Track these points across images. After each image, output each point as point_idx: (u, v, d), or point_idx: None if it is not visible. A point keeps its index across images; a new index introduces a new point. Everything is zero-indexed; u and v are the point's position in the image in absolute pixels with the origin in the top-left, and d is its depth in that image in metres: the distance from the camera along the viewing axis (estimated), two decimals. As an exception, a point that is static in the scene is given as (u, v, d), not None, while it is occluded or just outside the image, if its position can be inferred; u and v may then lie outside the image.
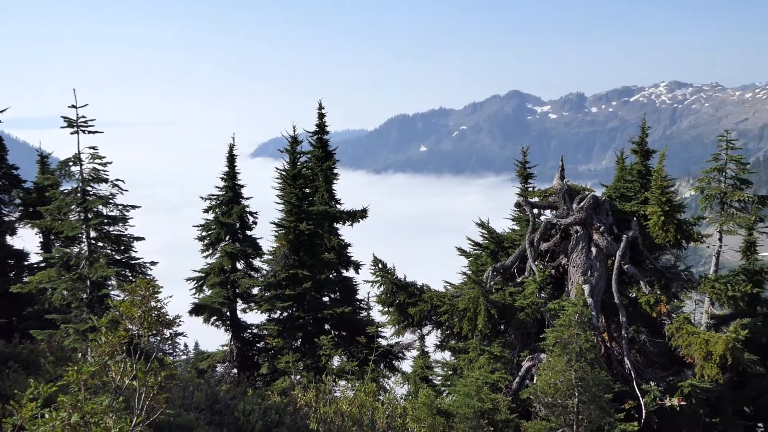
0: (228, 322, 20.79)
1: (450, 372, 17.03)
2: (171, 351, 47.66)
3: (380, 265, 14.78)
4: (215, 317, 20.46)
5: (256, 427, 9.00)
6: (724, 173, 22.44)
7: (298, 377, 14.34)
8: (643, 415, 13.19)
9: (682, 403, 13.24)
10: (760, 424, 20.12)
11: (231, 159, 20.80)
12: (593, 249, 15.15)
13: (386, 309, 14.98)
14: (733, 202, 22.20)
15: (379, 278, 14.70)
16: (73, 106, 17.58)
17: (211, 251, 20.93)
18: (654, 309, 14.94)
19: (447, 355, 17.43)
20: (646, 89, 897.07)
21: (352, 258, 21.44)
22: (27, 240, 22.39)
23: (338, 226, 21.54)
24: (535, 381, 13.02)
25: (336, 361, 18.68)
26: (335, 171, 22.35)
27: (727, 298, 15.95)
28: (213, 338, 21.88)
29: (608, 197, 16.45)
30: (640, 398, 13.36)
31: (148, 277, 16.03)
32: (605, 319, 15.32)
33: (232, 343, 20.71)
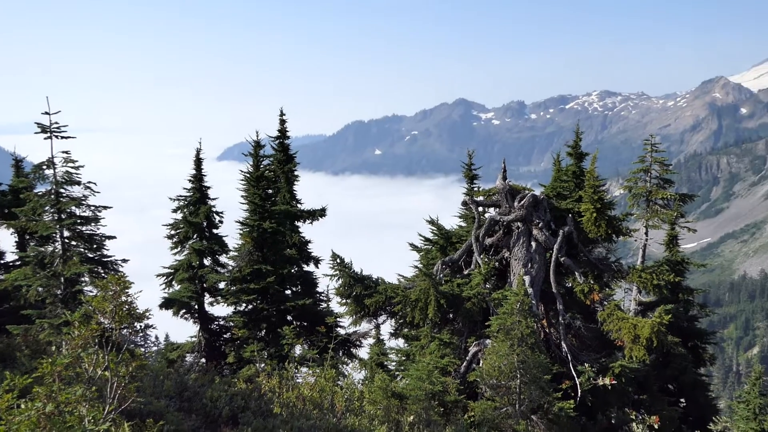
0: (196, 315, 20.58)
1: (403, 358, 17.07)
2: (143, 343, 46.91)
3: (338, 260, 14.75)
4: (184, 310, 20.26)
5: (223, 413, 8.90)
6: (649, 174, 22.93)
7: (263, 365, 14.19)
8: (579, 393, 13.36)
9: (613, 382, 13.45)
10: (682, 399, 20.58)
11: (198, 162, 20.64)
12: (533, 243, 15.32)
13: (344, 300, 14.95)
14: (658, 199, 22.70)
15: (337, 272, 14.67)
16: (47, 113, 17.22)
17: (179, 249, 20.71)
18: (588, 297, 15.15)
19: (401, 343, 17.46)
20: (579, 98, 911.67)
21: (313, 254, 21.36)
22: (2, 240, 21.86)
23: (299, 224, 21.43)
24: (481, 364, 13.11)
25: (298, 350, 18.57)
26: (296, 173, 22.26)
27: (653, 287, 16.24)
28: (182, 330, 21.64)
29: (546, 196, 16.63)
30: (576, 378, 13.53)
31: (119, 274, 15.74)
32: (544, 307, 15.49)
33: (201, 334, 20.50)
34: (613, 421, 14.34)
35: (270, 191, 20.64)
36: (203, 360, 20.15)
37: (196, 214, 20.33)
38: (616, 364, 13.94)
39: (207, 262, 20.95)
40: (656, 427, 12.05)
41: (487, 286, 15.35)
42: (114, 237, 18.76)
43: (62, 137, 17.64)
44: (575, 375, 13.58)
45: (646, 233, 22.61)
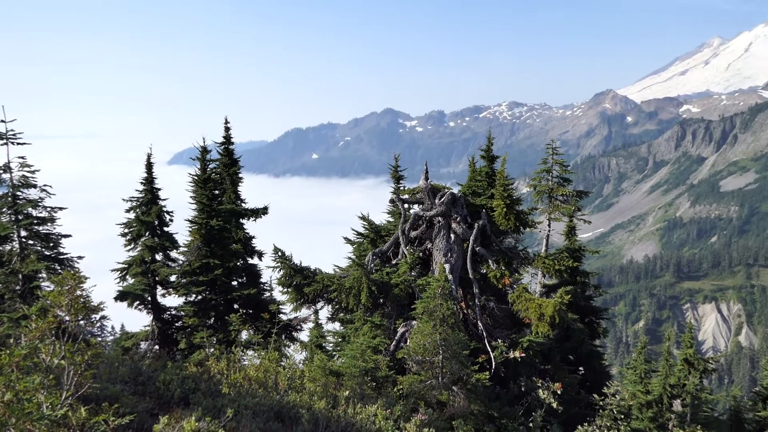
0: (149, 306, 20.05)
1: (340, 339, 17.03)
2: (99, 333, 45.25)
3: (280, 253, 14.58)
4: (138, 302, 19.70)
5: (175, 395, 8.68)
6: (551, 174, 23.50)
7: (212, 350, 13.92)
8: (493, 366, 13.61)
9: (522, 355, 13.72)
10: (580, 368, 21.21)
11: (149, 166, 20.11)
12: (452, 235, 15.50)
13: (286, 290, 14.79)
14: (558, 196, 23.30)
15: (279, 264, 14.50)
16: (2, 121, 16.51)
17: (132, 246, 20.15)
18: (500, 281, 15.43)
19: (337, 326, 17.41)
20: (491, 107, 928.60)
21: (257, 248, 21.08)
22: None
23: (244, 221, 21.13)
24: (408, 343, 13.19)
25: (244, 335, 18.32)
26: (240, 175, 21.92)
27: (555, 271, 16.63)
28: (137, 320, 21.02)
29: (463, 194, 16.86)
30: (491, 353, 13.76)
31: (75, 270, 15.16)
32: (462, 291, 15.70)
33: (154, 323, 19.97)
34: (522, 389, 14.64)
35: (216, 192, 20.30)
36: (156, 347, 19.64)
37: (148, 213, 19.83)
38: (524, 339, 14.23)
39: (159, 257, 20.46)
40: (559, 392, 12.36)
41: (412, 273, 15.46)
42: (70, 235, 18.12)
43: (18, 143, 16.97)
44: (490, 350, 13.81)
45: (549, 225, 23.19)
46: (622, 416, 13.30)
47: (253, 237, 21.19)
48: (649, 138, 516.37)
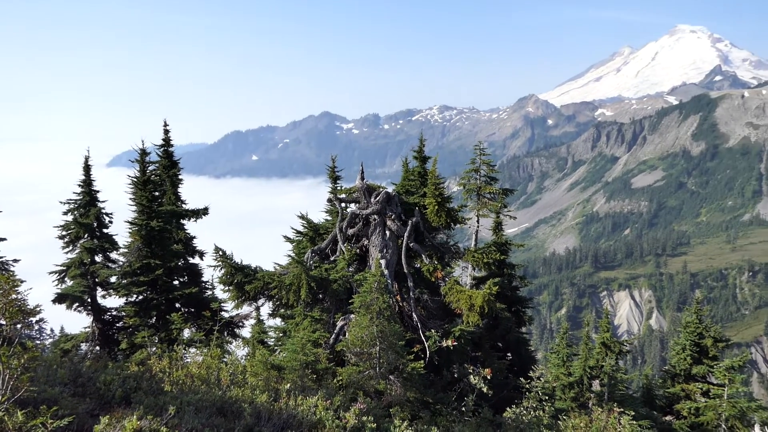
0: (89, 308, 19.28)
1: (281, 334, 16.83)
2: (38, 336, 43.16)
3: (221, 253, 14.27)
4: (77, 304, 18.91)
5: (116, 394, 8.37)
6: (479, 173, 23.88)
7: (154, 349, 13.50)
8: (427, 355, 13.73)
9: (454, 343, 13.87)
10: (508, 354, 21.71)
11: (87, 168, 19.35)
12: (387, 232, 15.55)
13: (227, 288, 14.49)
14: (486, 194, 23.71)
15: (220, 263, 14.19)
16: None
17: (71, 248, 19.33)
18: (432, 275, 15.58)
19: (278, 321, 17.19)
20: (423, 111, 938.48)
21: (198, 248, 20.62)
22: None
23: (184, 222, 20.62)
24: (347, 336, 13.18)
25: (186, 333, 17.86)
26: (180, 177, 21.37)
27: (484, 264, 16.90)
28: (77, 322, 20.20)
29: (397, 193, 16.94)
30: (425, 342, 13.87)
31: (9, 273, 14.39)
32: (398, 284, 15.78)
33: (94, 325, 19.22)
34: (455, 375, 14.83)
35: (156, 194, 19.71)
36: (97, 348, 18.91)
37: (86, 215, 19.07)
38: (456, 329, 14.41)
39: (98, 258, 19.72)
40: (489, 377, 12.59)
41: (350, 269, 15.43)
42: (5, 239, 17.18)
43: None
44: (424, 340, 13.92)
45: (478, 221, 23.57)
46: (547, 397, 13.67)
47: (194, 237, 20.71)
48: (568, 139, 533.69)
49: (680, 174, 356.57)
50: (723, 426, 20.18)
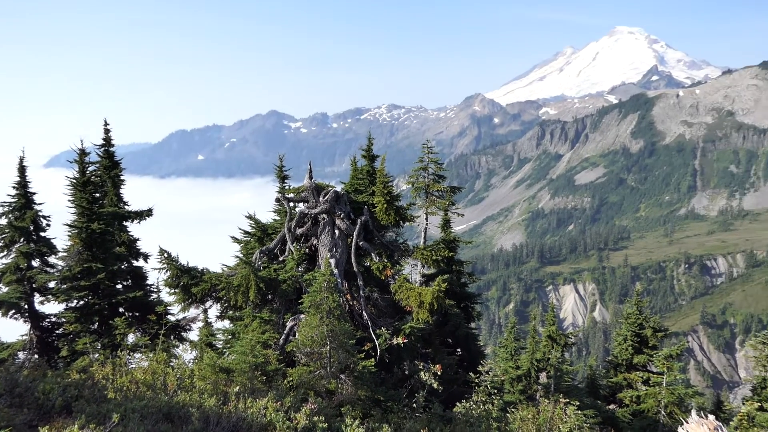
0: (26, 314, 18.46)
1: (230, 336, 16.55)
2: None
3: (165, 255, 13.93)
4: (13, 311, 18.06)
5: (56, 403, 8.07)
6: (427, 171, 24.12)
7: (96, 356, 13.08)
8: (378, 352, 13.76)
9: (405, 340, 13.96)
10: (458, 349, 22.00)
11: (22, 169, 18.52)
12: (336, 231, 15.51)
13: (173, 290, 14.16)
14: (434, 191, 23.97)
15: (165, 265, 13.85)
16: None
17: (6, 252, 18.47)
18: (382, 273, 15.64)
19: (227, 323, 16.91)
20: (371, 110, 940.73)
21: (141, 250, 20.06)
22: None
23: (127, 224, 20.04)
24: (297, 336, 13.08)
25: (131, 338, 17.36)
26: (122, 178, 20.73)
27: (433, 261, 17.05)
28: (13, 330, 19.34)
29: (346, 191, 16.91)
30: (375, 341, 13.90)
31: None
32: (348, 283, 15.77)
33: (32, 332, 18.41)
34: (406, 372, 14.91)
35: (97, 195, 19.06)
36: (36, 356, 18.14)
37: (21, 218, 18.24)
38: (406, 326, 14.49)
39: (36, 263, 18.90)
40: (439, 373, 12.74)
41: (299, 269, 15.32)
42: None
43: None
44: (375, 338, 13.95)
45: (426, 219, 23.81)
46: (496, 391, 13.93)
47: (138, 239, 20.16)
48: (514, 137, 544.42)
49: (620, 171, 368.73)
50: (662, 412, 20.97)
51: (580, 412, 12.48)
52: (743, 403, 21.74)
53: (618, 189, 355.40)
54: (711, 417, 8.69)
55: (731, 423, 17.40)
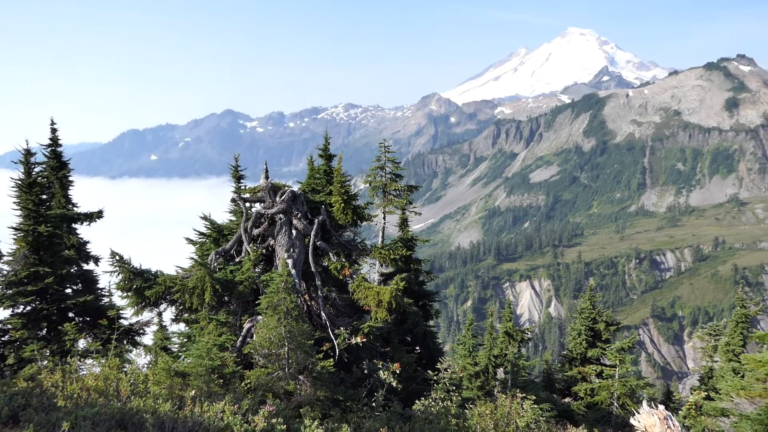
0: (-33, 322, 17.76)
1: (185, 340, 16.25)
2: None
3: (117, 257, 13.58)
4: (-46, 319, 17.37)
5: (2, 413, 7.77)
6: (384, 170, 24.15)
7: (45, 363, 12.66)
8: (337, 352, 13.74)
9: (364, 340, 13.97)
10: (417, 347, 22.13)
11: (-37, 171, 17.86)
12: (294, 231, 15.42)
13: (125, 294, 13.83)
14: (391, 191, 24.02)
15: (116, 268, 13.50)
16: None
17: (-53, 258, 17.72)
18: (340, 273, 15.61)
19: (182, 327, 16.61)
20: (329, 109, 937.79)
21: (92, 253, 19.51)
22: None
23: (77, 226, 19.45)
24: (254, 338, 12.94)
25: (82, 344, 16.86)
26: (71, 179, 20.12)
27: (390, 260, 17.11)
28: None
29: (303, 191, 16.82)
30: (334, 340, 13.86)
31: None
32: (305, 284, 15.68)
33: (-25, 340, 17.72)
34: (365, 372, 14.93)
35: (44, 197, 18.43)
36: (-21, 365, 17.45)
37: (-38, 222, 17.55)
38: (365, 325, 14.50)
39: (-23, 269, 18.19)
40: (398, 372, 12.79)
41: (256, 270, 15.17)
42: None
43: None
44: (333, 338, 13.93)
45: (384, 218, 23.84)
46: (454, 388, 14.07)
47: (88, 242, 19.61)
48: (470, 136, 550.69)
49: (574, 169, 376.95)
50: (615, 404, 21.53)
51: (536, 406, 12.72)
52: (691, 393, 22.51)
53: (571, 187, 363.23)
54: (661, 407, 8.96)
55: (680, 412, 17.98)
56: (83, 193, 20.91)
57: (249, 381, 11.64)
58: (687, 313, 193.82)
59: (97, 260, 19.25)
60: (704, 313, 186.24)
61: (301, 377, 12.01)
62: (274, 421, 8.47)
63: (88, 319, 18.37)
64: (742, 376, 17.49)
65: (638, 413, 9.06)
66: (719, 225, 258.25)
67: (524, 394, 13.46)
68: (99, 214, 19.74)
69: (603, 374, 23.35)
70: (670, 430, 8.52)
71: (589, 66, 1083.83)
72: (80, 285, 18.91)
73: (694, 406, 17.49)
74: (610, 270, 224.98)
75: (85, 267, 19.37)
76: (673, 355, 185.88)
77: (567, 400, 24.36)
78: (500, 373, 23.22)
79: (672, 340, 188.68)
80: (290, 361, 11.69)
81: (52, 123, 19.28)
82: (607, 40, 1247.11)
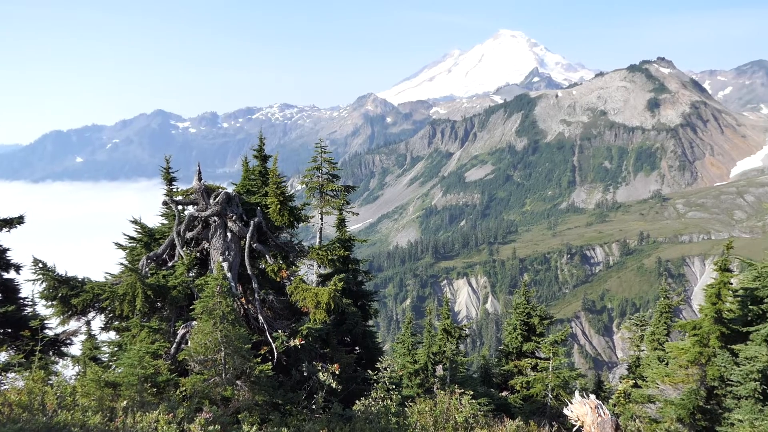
0: None
1: (116, 348, 15.67)
2: None
3: (40, 265, 12.95)
4: None
5: None
6: (321, 171, 24.04)
7: (-39, 379, 11.93)
8: (275, 356, 13.58)
9: (302, 342, 13.87)
10: (357, 347, 22.14)
11: None
12: (229, 234, 15.12)
13: (50, 303, 13.21)
14: (328, 191, 23.94)
15: (39, 276, 12.87)
16: None
17: None
18: (277, 275, 15.42)
19: (112, 335, 16.00)
20: (264, 109, 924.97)
21: (12, 261, 18.52)
22: None
23: (-5, 233, 18.44)
24: (189, 344, 12.62)
25: (3, 357, 15.99)
26: (-12, 183, 19.14)
27: (328, 261, 17.03)
28: None
29: (238, 193, 16.52)
30: (272, 344, 13.70)
31: None
32: (242, 287, 15.42)
33: None
34: (304, 374, 14.81)
35: (-41, 202, 17.42)
36: None
37: None
38: (303, 327, 14.40)
39: None
40: (337, 373, 12.78)
41: (191, 274, 14.80)
42: None
43: None
44: (271, 341, 13.76)
45: (321, 218, 23.73)
46: (394, 386, 14.17)
47: (8, 249, 18.60)
48: (407, 136, 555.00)
49: (507, 167, 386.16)
50: (549, 395, 22.19)
51: (474, 401, 12.97)
52: (620, 382, 23.47)
53: (505, 185, 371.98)
54: (592, 396, 9.29)
55: (610, 400, 18.73)
56: (2, 197, 19.87)
57: (184, 388, 11.34)
58: (616, 305, 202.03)
59: (18, 268, 18.29)
60: (631, 305, 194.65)
61: (238, 382, 11.80)
62: (210, 428, 8.28)
63: (9, 330, 17.44)
64: (667, 364, 18.38)
65: (571, 403, 9.37)
66: (644, 220, 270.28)
67: (463, 390, 13.70)
68: (20, 220, 18.74)
69: (538, 367, 24.04)
70: (600, 418, 8.85)
71: (520, 67, 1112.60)
72: (0, 295, 17.94)
73: (623, 394, 18.26)
74: (544, 265, 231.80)
75: (5, 276, 18.38)
76: (603, 345, 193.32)
77: (504, 393, 24.94)
78: (439, 370, 23.54)
79: (602, 331, 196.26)
80: (227, 366, 11.46)
81: (-33, 124, 18.22)
82: (536, 42, 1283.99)
